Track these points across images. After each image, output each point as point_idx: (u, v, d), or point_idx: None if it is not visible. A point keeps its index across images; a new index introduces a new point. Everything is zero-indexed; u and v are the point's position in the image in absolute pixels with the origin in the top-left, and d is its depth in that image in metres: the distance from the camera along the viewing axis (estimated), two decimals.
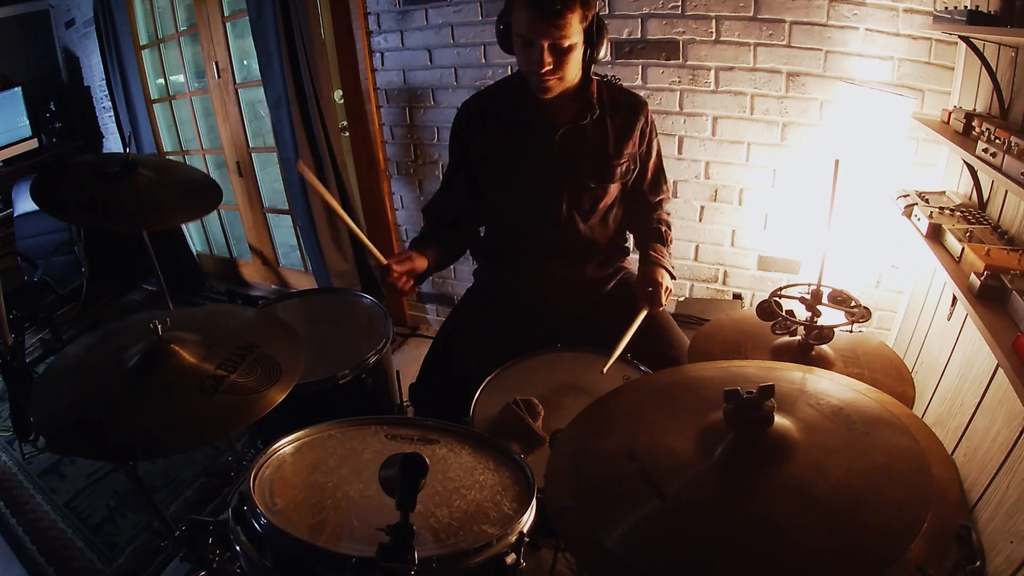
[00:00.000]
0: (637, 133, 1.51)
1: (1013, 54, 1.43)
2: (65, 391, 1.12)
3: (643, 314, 1.45)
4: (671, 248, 1.62)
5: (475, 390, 1.32)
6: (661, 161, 1.62)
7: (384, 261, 1.41)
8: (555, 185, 1.51)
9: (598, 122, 1.47)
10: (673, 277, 1.57)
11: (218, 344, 1.17)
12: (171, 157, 3.56)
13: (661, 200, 1.65)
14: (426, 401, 1.56)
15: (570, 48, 1.31)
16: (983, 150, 1.28)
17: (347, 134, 2.84)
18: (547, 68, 1.31)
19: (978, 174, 1.56)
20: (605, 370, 1.32)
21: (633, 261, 1.78)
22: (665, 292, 1.51)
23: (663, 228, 1.63)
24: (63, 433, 1.05)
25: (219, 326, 1.28)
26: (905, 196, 1.63)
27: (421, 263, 1.48)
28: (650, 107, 1.54)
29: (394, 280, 1.42)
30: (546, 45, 1.29)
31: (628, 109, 1.50)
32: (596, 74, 1.49)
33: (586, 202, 1.54)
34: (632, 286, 1.59)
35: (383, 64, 2.56)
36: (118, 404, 1.07)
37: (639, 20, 2.05)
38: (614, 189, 1.56)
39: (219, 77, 3.11)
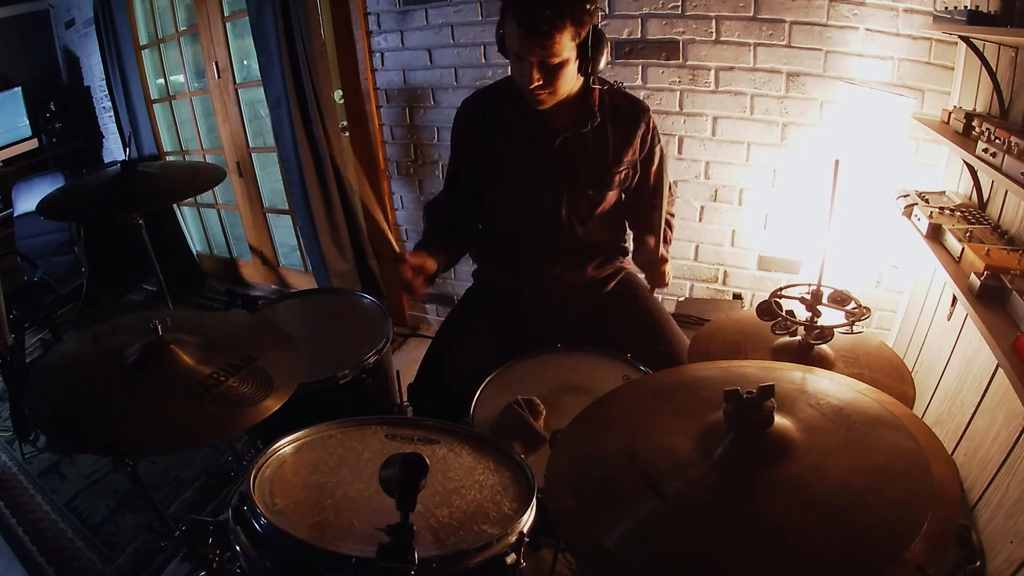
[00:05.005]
0: (638, 140, 1.51)
1: (1013, 54, 1.43)
2: (61, 383, 1.12)
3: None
4: (669, 246, 1.61)
5: (475, 390, 1.32)
6: (664, 166, 1.60)
7: (398, 249, 1.42)
8: (554, 191, 1.51)
9: (598, 130, 1.46)
10: (665, 260, 1.55)
11: (216, 350, 1.17)
12: (171, 157, 3.57)
13: (664, 204, 1.63)
14: (424, 401, 1.56)
15: (561, 65, 1.30)
16: (983, 150, 1.28)
17: (347, 134, 2.84)
18: (536, 84, 1.31)
19: (978, 174, 1.56)
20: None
21: (631, 262, 1.78)
22: (663, 270, 1.53)
23: (660, 224, 1.60)
24: (53, 424, 1.06)
25: (220, 331, 1.27)
26: (905, 196, 1.63)
27: (432, 263, 1.48)
28: (650, 107, 1.53)
29: (409, 278, 1.42)
30: (535, 62, 1.28)
31: (629, 116, 1.49)
32: (602, 81, 1.48)
33: (584, 208, 1.54)
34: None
35: (383, 64, 2.56)
36: (108, 400, 1.06)
37: (639, 20, 2.05)
38: (612, 196, 1.55)
39: (219, 77, 3.11)
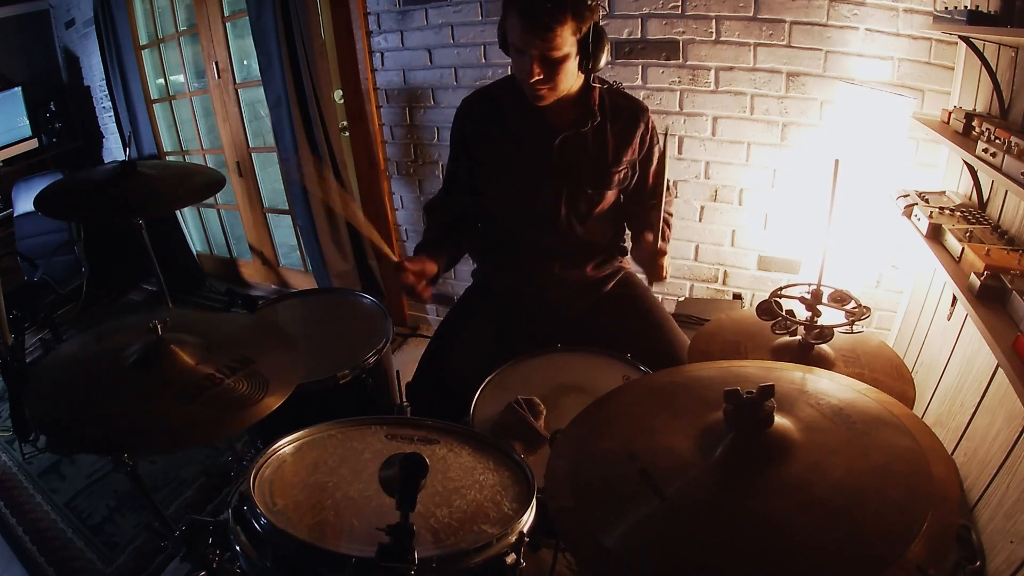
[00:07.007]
0: (637, 140, 1.51)
1: (1013, 54, 1.43)
2: (62, 382, 1.12)
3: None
4: (667, 243, 1.59)
5: (475, 390, 1.32)
6: (663, 166, 1.60)
7: (395, 258, 1.42)
8: (553, 190, 1.51)
9: (598, 129, 1.47)
10: (663, 253, 1.51)
11: (216, 351, 1.16)
12: (171, 157, 3.57)
13: (663, 203, 1.63)
14: (422, 400, 1.56)
15: (562, 59, 1.30)
16: (983, 150, 1.28)
17: (347, 134, 2.84)
18: (537, 78, 1.31)
19: (978, 174, 1.56)
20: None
21: (631, 261, 1.78)
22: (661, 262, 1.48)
23: (659, 222, 1.60)
24: (53, 422, 1.06)
25: (220, 332, 1.26)
26: (905, 196, 1.63)
27: (432, 266, 1.48)
28: (650, 107, 1.54)
29: (410, 282, 1.42)
30: (536, 56, 1.29)
31: (628, 116, 1.49)
32: (601, 80, 1.48)
33: (583, 207, 1.54)
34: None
35: (383, 64, 2.56)
36: (107, 399, 1.07)
37: (639, 20, 2.05)
38: (611, 195, 1.55)
39: (219, 77, 3.11)
